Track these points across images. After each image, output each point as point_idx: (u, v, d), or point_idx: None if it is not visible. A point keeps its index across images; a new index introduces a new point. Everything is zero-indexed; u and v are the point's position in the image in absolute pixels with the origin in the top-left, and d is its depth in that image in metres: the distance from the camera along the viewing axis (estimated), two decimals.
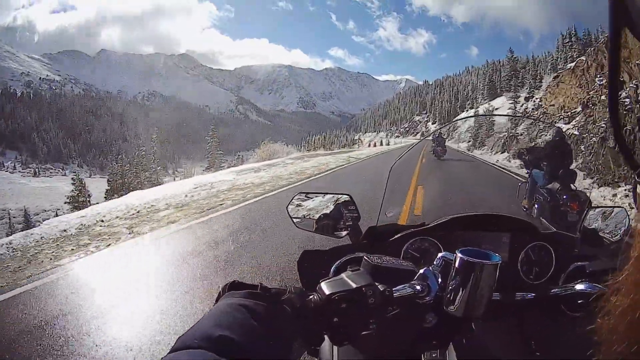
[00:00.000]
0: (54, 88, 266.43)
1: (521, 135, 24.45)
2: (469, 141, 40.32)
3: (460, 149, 34.55)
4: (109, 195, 35.24)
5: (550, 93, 27.92)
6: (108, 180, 42.22)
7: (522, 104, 40.72)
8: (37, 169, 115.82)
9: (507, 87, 68.71)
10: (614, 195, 10.03)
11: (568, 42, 54.08)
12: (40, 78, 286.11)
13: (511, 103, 47.62)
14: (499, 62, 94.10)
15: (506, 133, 28.00)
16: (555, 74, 31.41)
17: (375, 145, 79.88)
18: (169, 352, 0.53)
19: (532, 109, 30.65)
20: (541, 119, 25.94)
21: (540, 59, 71.81)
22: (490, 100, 68.46)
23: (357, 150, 38.76)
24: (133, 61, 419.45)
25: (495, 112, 53.35)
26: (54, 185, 75.81)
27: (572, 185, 4.98)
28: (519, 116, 39.81)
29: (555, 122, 18.72)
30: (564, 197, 4.76)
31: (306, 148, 55.83)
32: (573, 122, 18.27)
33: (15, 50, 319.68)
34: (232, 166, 30.22)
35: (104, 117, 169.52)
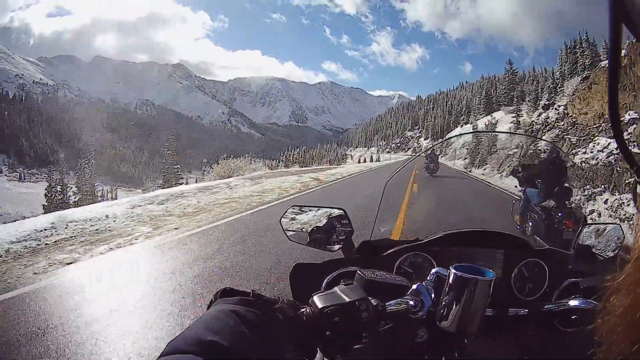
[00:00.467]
0: (46, 92, 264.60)
1: (529, 153, 22.85)
2: (466, 158, 39.20)
3: (456, 167, 33.65)
4: (47, 210, 29.52)
5: (579, 98, 21.20)
6: (45, 194, 36.26)
7: (541, 114, 33.85)
8: (22, 174, 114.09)
9: (504, 101, 67.80)
10: None
11: (578, 48, 49.60)
12: (33, 81, 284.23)
13: (513, 117, 46.18)
14: (494, 77, 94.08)
15: (517, 150, 26.24)
16: (585, 75, 26.10)
17: (365, 161, 79.17)
18: (159, 357, 0.53)
19: (557, 118, 24.37)
20: (539, 137, 24.65)
21: (538, 73, 70.07)
22: (486, 115, 67.69)
23: (338, 168, 33.58)
24: (127, 69, 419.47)
25: (496, 127, 52.12)
26: (37, 192, 74.46)
27: (567, 202, 4.98)
28: (518, 133, 39.16)
29: (586, 135, 16.52)
30: (559, 214, 4.76)
31: (284, 163, 50.49)
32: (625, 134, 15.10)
33: (11, 52, 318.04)
34: (190, 182, 27.19)
35: (95, 123, 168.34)
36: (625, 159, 0.44)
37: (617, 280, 0.44)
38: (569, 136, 18.25)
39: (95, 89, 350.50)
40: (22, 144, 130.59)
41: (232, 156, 35.95)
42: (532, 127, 28.25)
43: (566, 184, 5.42)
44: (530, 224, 5.22)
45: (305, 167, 36.20)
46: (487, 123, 57.32)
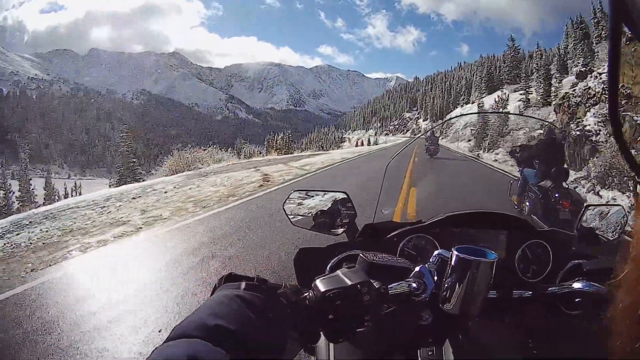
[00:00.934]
0: (41, 87, 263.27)
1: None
2: (470, 140, 35.83)
3: (460, 149, 30.41)
4: None
5: (629, 64, 15.20)
6: None
7: (576, 84, 24.29)
8: (14, 172, 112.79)
9: (507, 79, 64.69)
10: None
11: (593, 18, 44.09)
12: (28, 77, 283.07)
13: (521, 94, 43.58)
14: (493, 56, 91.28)
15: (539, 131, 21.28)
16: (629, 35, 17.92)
17: (362, 145, 77.04)
18: (165, 341, 0.54)
19: (602, 89, 18.56)
20: (537, 117, 24.25)
21: (542, 50, 65.38)
22: (489, 94, 65.12)
23: (324, 155, 27.26)
24: (123, 60, 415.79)
25: (507, 104, 48.00)
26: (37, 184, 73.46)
27: (564, 183, 4.96)
28: (518, 114, 37.70)
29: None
30: (556, 195, 4.71)
31: (267, 150, 45.77)
32: None
33: (6, 50, 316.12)
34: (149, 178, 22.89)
35: (89, 116, 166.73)
36: (626, 159, 0.44)
37: (623, 265, 0.44)
38: (629, 114, 13.45)
39: (91, 82, 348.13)
40: (16, 141, 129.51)
41: (199, 145, 30.46)
42: (569, 101, 21.52)
43: (564, 165, 5.40)
44: (528, 204, 5.12)
45: (286, 154, 32.33)
46: (497, 99, 52.91)
